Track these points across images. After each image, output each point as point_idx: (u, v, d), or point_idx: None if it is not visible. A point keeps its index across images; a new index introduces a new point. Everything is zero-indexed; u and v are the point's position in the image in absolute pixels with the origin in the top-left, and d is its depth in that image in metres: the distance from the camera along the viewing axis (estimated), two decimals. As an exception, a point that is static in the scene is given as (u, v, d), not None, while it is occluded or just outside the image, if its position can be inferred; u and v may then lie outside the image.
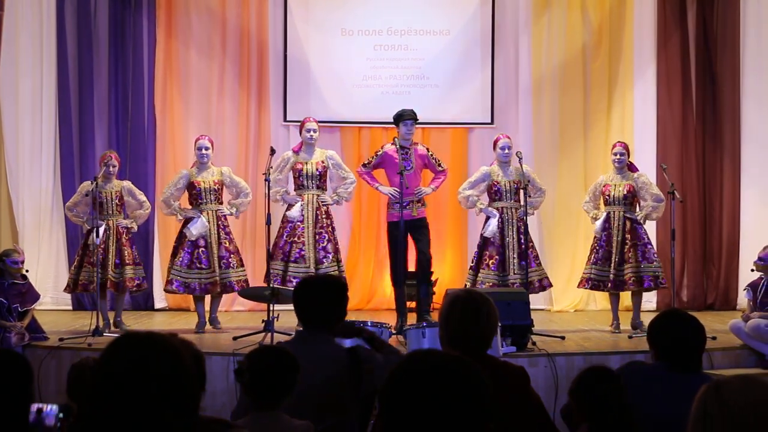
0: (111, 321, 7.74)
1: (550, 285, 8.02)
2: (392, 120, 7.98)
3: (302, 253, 7.64)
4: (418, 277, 7.83)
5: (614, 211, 7.71)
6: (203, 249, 7.68)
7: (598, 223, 7.75)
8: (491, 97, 9.92)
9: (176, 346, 1.97)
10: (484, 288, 7.46)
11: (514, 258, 7.63)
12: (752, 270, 7.08)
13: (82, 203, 7.81)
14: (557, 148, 9.82)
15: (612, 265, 7.61)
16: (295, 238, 7.67)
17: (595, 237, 7.83)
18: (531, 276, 7.61)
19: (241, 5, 9.89)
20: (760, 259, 7.01)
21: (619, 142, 8.07)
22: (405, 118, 7.79)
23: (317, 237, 7.70)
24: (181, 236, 7.81)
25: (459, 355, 1.88)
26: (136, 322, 8.49)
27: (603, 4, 9.90)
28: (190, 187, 7.81)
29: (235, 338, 7.02)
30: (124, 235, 7.76)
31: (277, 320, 6.83)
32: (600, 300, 9.79)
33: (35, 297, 7.19)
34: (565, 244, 9.78)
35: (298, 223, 7.69)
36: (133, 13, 9.75)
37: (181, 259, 7.68)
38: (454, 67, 9.97)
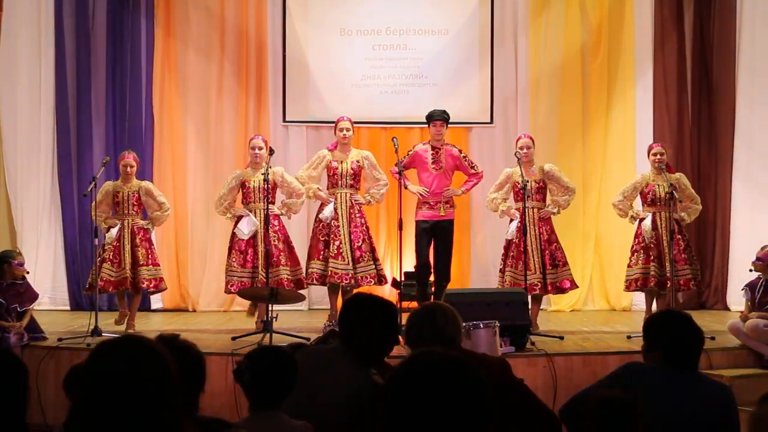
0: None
1: (574, 286, 7.92)
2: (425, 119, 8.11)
3: (340, 250, 7.63)
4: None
5: (660, 212, 7.69)
6: (252, 250, 7.63)
7: (647, 223, 7.65)
8: (490, 96, 9.93)
9: (160, 348, 1.99)
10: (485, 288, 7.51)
11: (538, 258, 7.61)
12: (750, 270, 7.06)
13: (103, 203, 7.78)
14: (555, 147, 9.81)
15: (668, 265, 7.56)
16: (332, 236, 7.67)
17: (637, 239, 7.76)
18: (562, 276, 7.62)
19: (240, 5, 9.89)
20: (758, 259, 7.00)
21: (655, 143, 8.08)
22: (434, 118, 7.92)
23: (352, 236, 7.70)
24: (233, 236, 7.76)
25: (460, 355, 1.89)
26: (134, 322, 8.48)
27: (602, 3, 9.91)
28: (242, 186, 7.78)
29: (233, 338, 7.01)
30: (139, 236, 7.72)
31: (276, 320, 6.82)
32: (598, 300, 9.80)
33: (34, 297, 7.19)
34: (563, 244, 9.76)
35: (334, 222, 7.70)
36: (131, 12, 9.75)
37: (234, 259, 7.65)
38: (453, 67, 9.98)
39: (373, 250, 7.80)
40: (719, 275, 9.69)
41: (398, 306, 7.41)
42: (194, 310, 9.61)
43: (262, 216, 7.61)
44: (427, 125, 8.08)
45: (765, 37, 9.52)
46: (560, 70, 9.88)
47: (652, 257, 7.63)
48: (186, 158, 9.85)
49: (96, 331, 7.00)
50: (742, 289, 7.21)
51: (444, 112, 7.97)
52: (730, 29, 9.66)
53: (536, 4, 9.92)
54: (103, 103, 9.71)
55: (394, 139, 7.80)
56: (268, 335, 6.74)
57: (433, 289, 8.26)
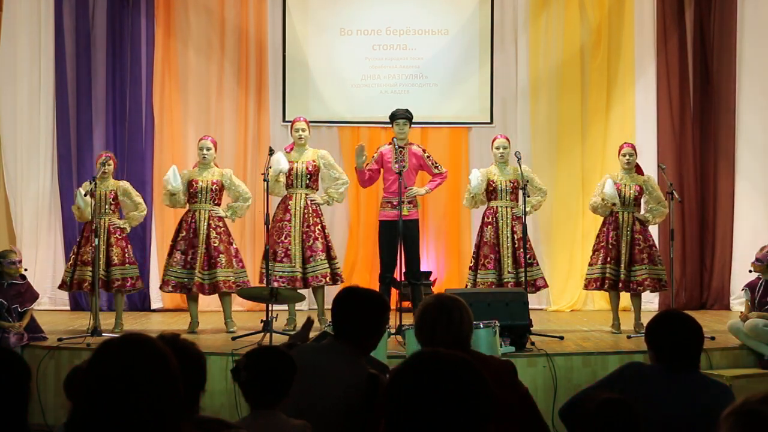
0: (99, 321, 7.75)
1: (545, 285, 7.95)
2: (388, 120, 8.04)
3: (288, 251, 7.63)
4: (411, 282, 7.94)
5: (623, 212, 7.68)
6: (193, 250, 7.64)
7: (609, 183, 7.57)
8: (490, 96, 9.93)
9: (161, 347, 1.98)
10: (482, 288, 7.48)
11: (508, 257, 7.62)
12: (750, 271, 7.08)
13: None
14: (555, 147, 9.82)
15: (623, 265, 7.56)
16: (282, 238, 7.67)
17: (599, 238, 7.79)
18: (536, 274, 7.62)
19: (240, 5, 9.90)
20: (758, 259, 7.00)
21: (626, 143, 8.01)
22: (397, 117, 7.90)
23: (304, 236, 7.68)
24: (176, 235, 7.78)
25: (463, 356, 1.89)
26: (134, 322, 8.49)
27: (602, 3, 9.91)
28: (189, 185, 7.78)
29: (233, 338, 7.02)
30: (114, 235, 7.68)
31: (276, 320, 6.82)
32: (597, 300, 9.79)
33: (34, 297, 7.18)
34: (563, 244, 9.80)
35: (286, 223, 7.68)
36: (131, 12, 9.75)
37: (175, 258, 7.67)
38: (452, 67, 9.98)
39: (328, 249, 7.77)
40: (720, 275, 9.69)
41: (398, 306, 7.43)
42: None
43: (207, 216, 7.64)
44: (390, 125, 8.05)
45: (765, 37, 9.52)
46: (560, 70, 9.88)
47: (609, 258, 7.63)
48: (186, 158, 9.84)
49: (96, 331, 7.00)
50: (742, 289, 7.23)
51: (407, 111, 7.97)
52: (731, 29, 9.67)
53: (536, 4, 9.92)
54: (103, 103, 9.71)
55: (395, 139, 7.80)
56: (268, 335, 6.74)
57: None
